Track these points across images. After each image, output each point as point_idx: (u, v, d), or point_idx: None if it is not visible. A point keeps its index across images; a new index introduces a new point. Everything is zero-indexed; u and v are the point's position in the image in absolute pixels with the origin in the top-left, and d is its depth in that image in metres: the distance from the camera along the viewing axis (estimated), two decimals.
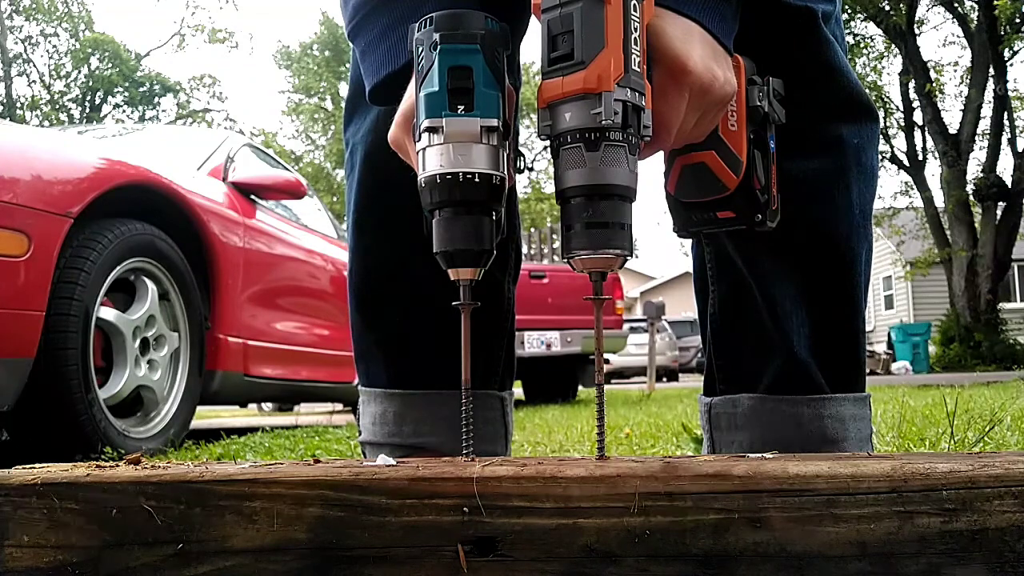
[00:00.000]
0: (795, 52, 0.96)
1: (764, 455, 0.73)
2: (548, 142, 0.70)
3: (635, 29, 0.68)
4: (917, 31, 17.41)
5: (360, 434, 1.13)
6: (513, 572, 0.60)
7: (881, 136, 20.38)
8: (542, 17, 0.69)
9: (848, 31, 18.01)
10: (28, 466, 0.66)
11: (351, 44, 0.91)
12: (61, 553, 0.62)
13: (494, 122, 0.70)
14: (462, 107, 0.69)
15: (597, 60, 0.65)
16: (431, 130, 0.69)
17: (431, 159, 0.70)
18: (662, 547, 0.59)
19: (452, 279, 0.74)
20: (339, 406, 5.44)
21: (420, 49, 0.71)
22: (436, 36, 0.70)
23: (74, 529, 0.62)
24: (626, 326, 9.40)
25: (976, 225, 16.75)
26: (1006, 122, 16.57)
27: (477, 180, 0.70)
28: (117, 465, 0.67)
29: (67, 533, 0.62)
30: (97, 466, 0.66)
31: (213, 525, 0.61)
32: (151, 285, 2.75)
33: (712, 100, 0.77)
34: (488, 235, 0.71)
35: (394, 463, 0.66)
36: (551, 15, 0.68)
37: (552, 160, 0.70)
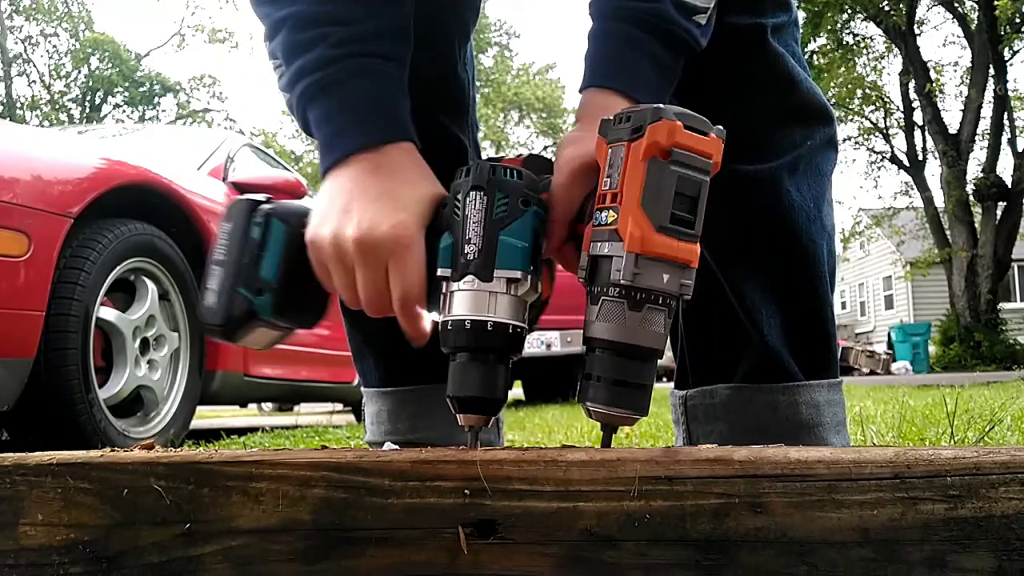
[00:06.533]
0: (745, 66, 0.98)
1: None
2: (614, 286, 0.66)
3: None
4: (917, 31, 17.43)
5: (367, 434, 1.14)
6: (513, 555, 0.60)
7: (881, 136, 20.26)
8: (669, 166, 0.64)
9: (848, 31, 18.03)
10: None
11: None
12: (73, 531, 0.63)
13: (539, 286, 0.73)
14: (532, 266, 0.71)
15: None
16: (513, 281, 0.70)
17: (502, 306, 0.70)
18: (662, 531, 0.59)
19: (460, 423, 0.73)
20: (339, 406, 5.44)
21: (499, 195, 0.70)
22: (529, 193, 0.71)
23: (86, 508, 0.63)
24: None
25: (976, 225, 16.74)
26: (1006, 122, 16.58)
27: (524, 334, 0.72)
28: None
29: (79, 512, 0.63)
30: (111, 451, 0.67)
31: (220, 505, 0.62)
32: (151, 285, 2.75)
33: None
34: (505, 384, 0.72)
35: (398, 448, 0.66)
36: (683, 172, 0.64)
37: (614, 303, 0.66)
